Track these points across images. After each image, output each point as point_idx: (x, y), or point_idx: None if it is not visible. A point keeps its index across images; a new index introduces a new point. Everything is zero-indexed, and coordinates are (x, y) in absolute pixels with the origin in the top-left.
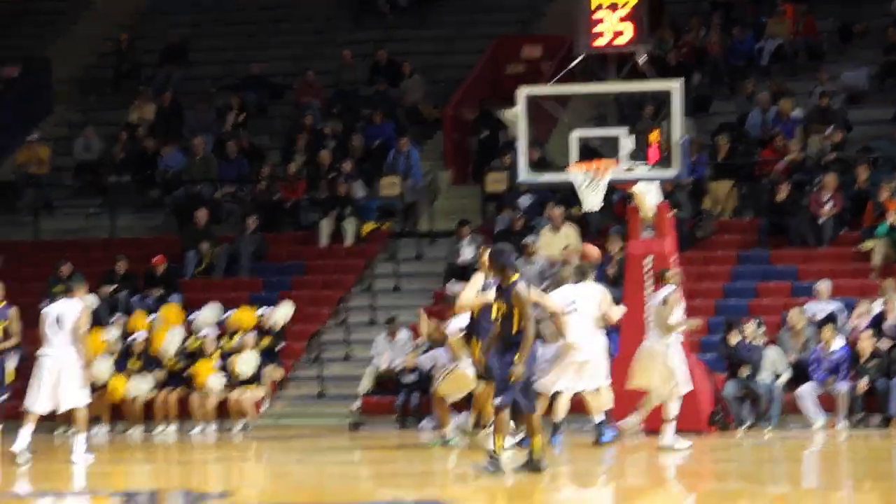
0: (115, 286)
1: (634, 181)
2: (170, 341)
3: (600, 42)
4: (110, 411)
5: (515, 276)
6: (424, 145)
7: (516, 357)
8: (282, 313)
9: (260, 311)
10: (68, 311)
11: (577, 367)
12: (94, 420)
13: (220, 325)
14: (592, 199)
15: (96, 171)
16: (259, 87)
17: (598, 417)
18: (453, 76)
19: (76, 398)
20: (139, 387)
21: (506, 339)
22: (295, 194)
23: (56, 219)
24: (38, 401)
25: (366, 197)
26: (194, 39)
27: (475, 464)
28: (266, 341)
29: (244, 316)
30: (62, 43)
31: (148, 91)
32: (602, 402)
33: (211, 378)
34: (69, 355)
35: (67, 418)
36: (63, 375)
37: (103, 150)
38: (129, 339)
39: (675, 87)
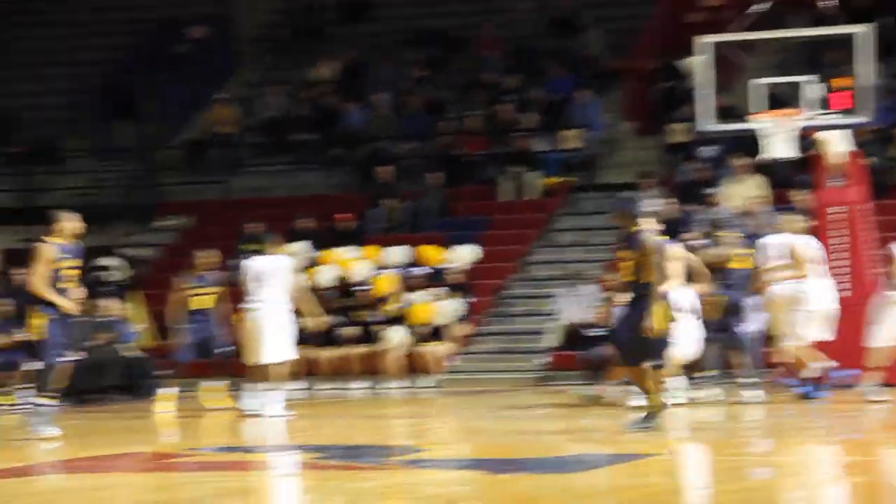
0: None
1: (823, 129)
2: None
3: None
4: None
5: (640, 226)
6: (605, 97)
7: (646, 309)
8: (466, 252)
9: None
10: (273, 266)
11: (820, 317)
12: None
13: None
14: (782, 148)
15: (281, 129)
16: (438, 42)
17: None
18: (633, 27)
19: (283, 352)
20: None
21: (635, 289)
22: (476, 149)
23: (242, 178)
24: (269, 351)
25: (547, 150)
26: None
27: (631, 422)
28: (452, 297)
29: (430, 252)
30: (244, 2)
31: (331, 49)
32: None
33: (391, 332)
34: (278, 309)
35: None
36: (272, 329)
37: (287, 109)
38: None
39: (863, 31)
